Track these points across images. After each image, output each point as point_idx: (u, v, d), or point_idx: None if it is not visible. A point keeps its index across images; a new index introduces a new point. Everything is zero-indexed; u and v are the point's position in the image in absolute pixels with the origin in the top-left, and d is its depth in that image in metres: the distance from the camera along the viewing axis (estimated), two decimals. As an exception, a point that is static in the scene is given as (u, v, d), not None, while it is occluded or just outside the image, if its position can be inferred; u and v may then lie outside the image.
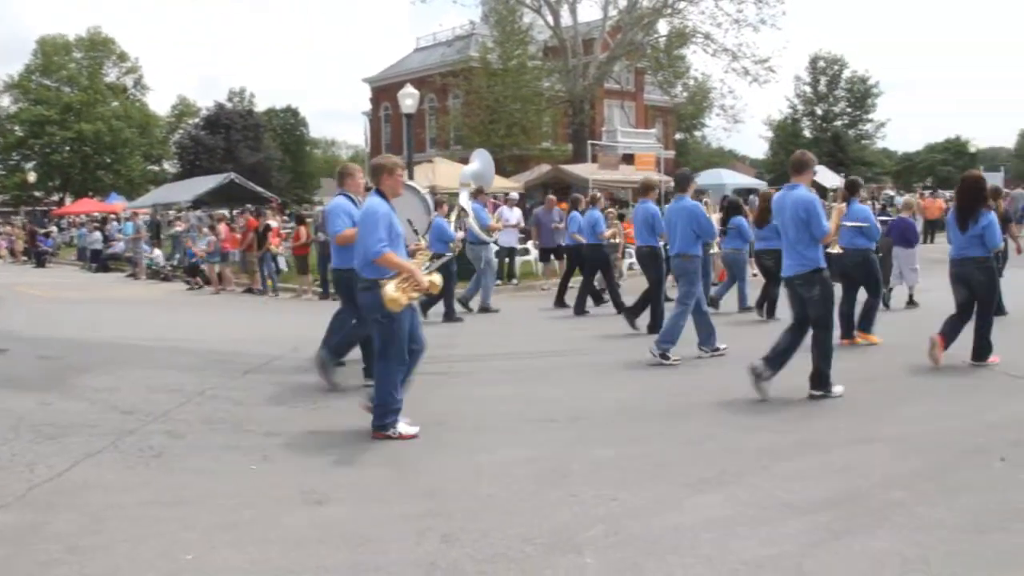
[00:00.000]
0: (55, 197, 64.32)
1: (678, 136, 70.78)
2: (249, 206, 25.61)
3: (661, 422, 7.02)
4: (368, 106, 64.14)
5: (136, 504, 5.14)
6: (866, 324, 10.30)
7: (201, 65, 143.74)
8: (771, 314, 12.73)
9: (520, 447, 6.35)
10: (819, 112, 74.46)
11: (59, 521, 4.83)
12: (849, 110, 74.41)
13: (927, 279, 12.99)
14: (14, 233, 38.72)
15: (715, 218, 13.07)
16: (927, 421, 6.75)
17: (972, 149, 60.10)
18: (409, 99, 19.83)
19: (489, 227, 15.27)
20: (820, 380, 7.49)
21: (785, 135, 74.50)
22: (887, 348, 9.96)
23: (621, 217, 19.37)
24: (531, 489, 5.33)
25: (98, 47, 64.96)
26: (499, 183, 26.48)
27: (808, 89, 74.55)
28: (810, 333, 7.59)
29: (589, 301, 14.58)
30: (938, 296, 10.58)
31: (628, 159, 37.13)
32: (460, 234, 14.66)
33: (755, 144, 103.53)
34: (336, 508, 5.08)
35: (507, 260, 19.87)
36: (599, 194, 17.52)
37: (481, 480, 5.55)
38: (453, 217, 13.63)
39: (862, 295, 10.36)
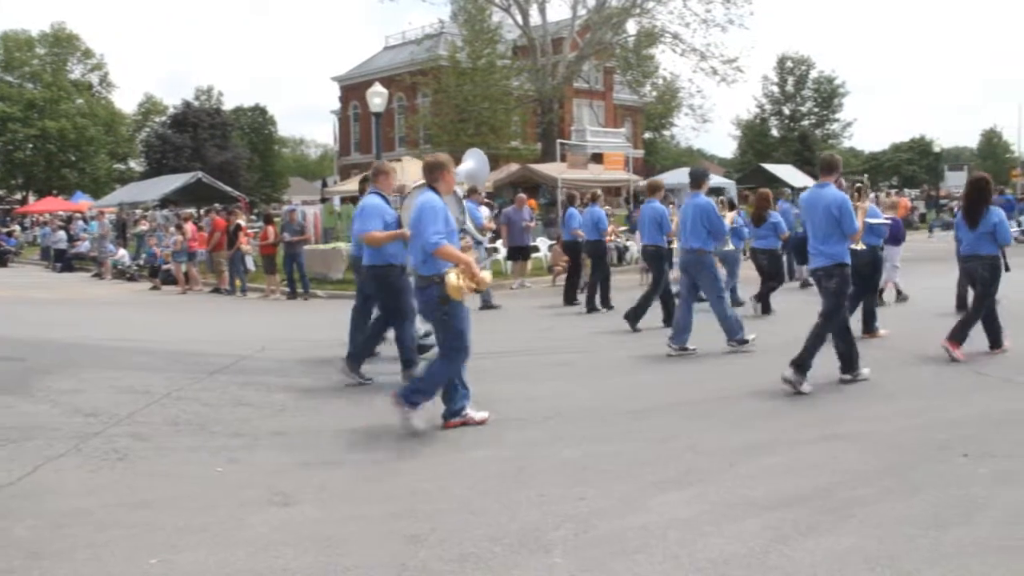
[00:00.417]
0: (18, 196, 63.51)
1: (647, 135, 71.13)
2: (217, 205, 25.42)
3: (630, 421, 7.03)
4: (337, 105, 63.91)
5: (99, 508, 5.07)
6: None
7: (168, 63, 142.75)
8: (763, 310, 13.04)
9: (489, 447, 6.33)
10: (787, 112, 75.12)
11: (19, 527, 4.76)
12: (816, 110, 75.15)
13: (910, 279, 13.23)
14: (-24, 232, 38.20)
15: (729, 216, 13.31)
16: (892, 418, 6.81)
17: (936, 149, 60.71)
18: (377, 98, 19.74)
19: (483, 226, 15.32)
20: (846, 363, 7.95)
21: (753, 134, 75.17)
22: (862, 345, 10.08)
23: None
24: (500, 489, 5.32)
25: (62, 43, 64.11)
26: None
27: (776, 89, 75.23)
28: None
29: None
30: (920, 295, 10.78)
31: (597, 158, 37.24)
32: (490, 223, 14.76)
33: (723, 143, 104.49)
34: (303, 509, 5.04)
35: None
36: (599, 191, 17.68)
37: (450, 480, 5.53)
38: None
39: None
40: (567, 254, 16.34)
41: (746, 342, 9.89)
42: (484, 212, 20.52)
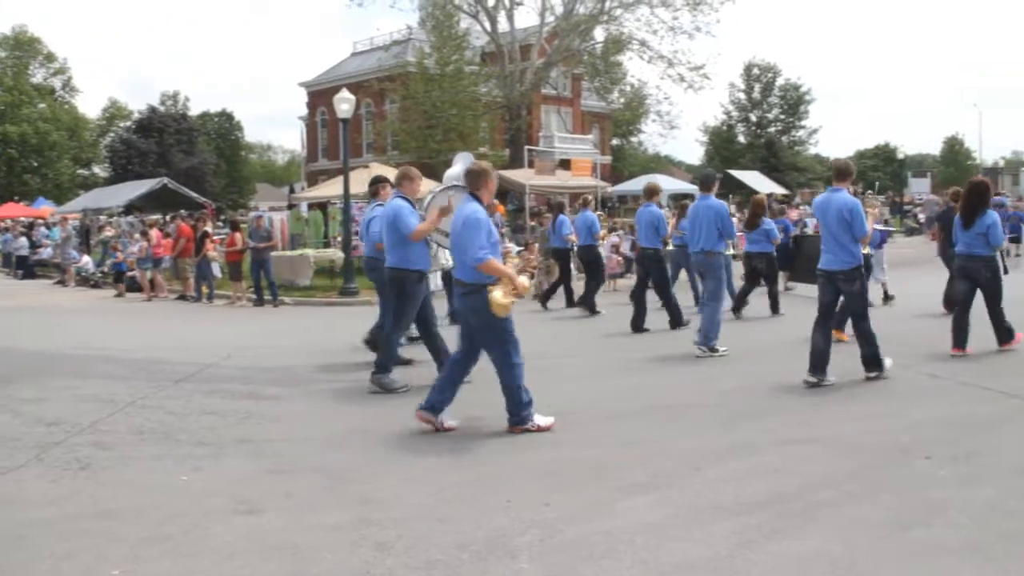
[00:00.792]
0: (-22, 201, 62.59)
1: (615, 142, 71.31)
2: (182, 212, 25.23)
3: (596, 426, 7.05)
4: (304, 111, 63.60)
5: (61, 518, 5.00)
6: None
7: (133, 68, 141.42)
8: (738, 311, 13.38)
9: (453, 453, 6.33)
10: (753, 118, 75.61)
11: (-21, 538, 4.68)
12: (782, 117, 75.69)
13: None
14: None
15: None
16: (856, 422, 6.89)
17: (900, 155, 61.55)
18: (345, 104, 19.63)
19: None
20: (873, 362, 8.23)
21: (720, 141, 75.57)
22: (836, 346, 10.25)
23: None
24: (467, 495, 5.32)
25: (24, 47, 63.36)
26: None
27: (743, 96, 75.69)
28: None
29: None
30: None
31: (565, 164, 37.28)
32: None
33: (691, 150, 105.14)
34: (269, 518, 5.01)
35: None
36: (590, 197, 17.97)
37: (413, 487, 5.51)
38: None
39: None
40: (556, 260, 16.51)
41: (716, 350, 9.99)
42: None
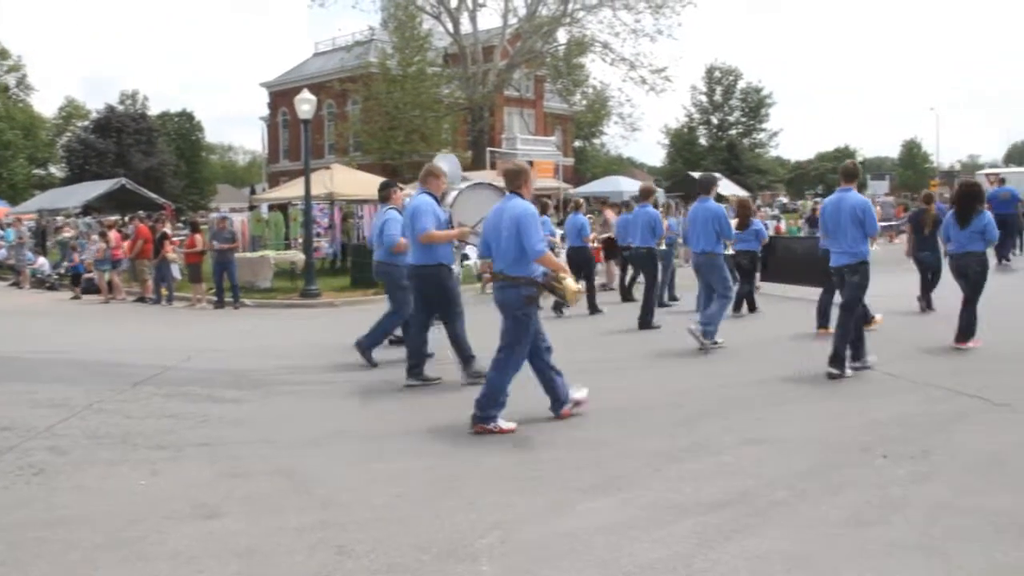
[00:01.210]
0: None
1: (577, 143, 71.54)
2: (140, 213, 24.92)
3: (556, 428, 7.04)
4: (266, 111, 63.15)
5: (14, 526, 4.92)
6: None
7: (90, 66, 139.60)
8: (749, 308, 13.78)
9: (415, 456, 6.31)
10: (715, 121, 76.31)
11: (-71, 545, 4.60)
12: (744, 119, 76.47)
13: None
14: None
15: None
16: (815, 421, 6.96)
17: (859, 158, 62.40)
18: (306, 104, 19.49)
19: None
20: (837, 359, 8.51)
21: (682, 143, 76.17)
22: (790, 348, 10.49)
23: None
24: (428, 497, 5.31)
25: (-26, 43, 62.30)
26: (398, 190, 26.27)
27: (704, 99, 76.37)
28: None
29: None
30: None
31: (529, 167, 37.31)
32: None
33: (653, 152, 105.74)
34: (228, 522, 4.96)
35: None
36: (581, 200, 18.08)
37: (375, 489, 5.49)
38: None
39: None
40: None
41: (717, 343, 10.40)
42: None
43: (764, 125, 76.73)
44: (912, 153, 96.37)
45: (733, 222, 11.31)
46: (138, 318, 17.45)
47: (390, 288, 10.28)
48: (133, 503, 5.33)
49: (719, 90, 76.28)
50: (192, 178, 72.45)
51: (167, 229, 20.39)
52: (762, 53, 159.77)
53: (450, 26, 37.65)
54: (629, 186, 42.84)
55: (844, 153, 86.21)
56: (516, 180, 7.13)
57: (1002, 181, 23.31)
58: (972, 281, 9.77)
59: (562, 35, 39.33)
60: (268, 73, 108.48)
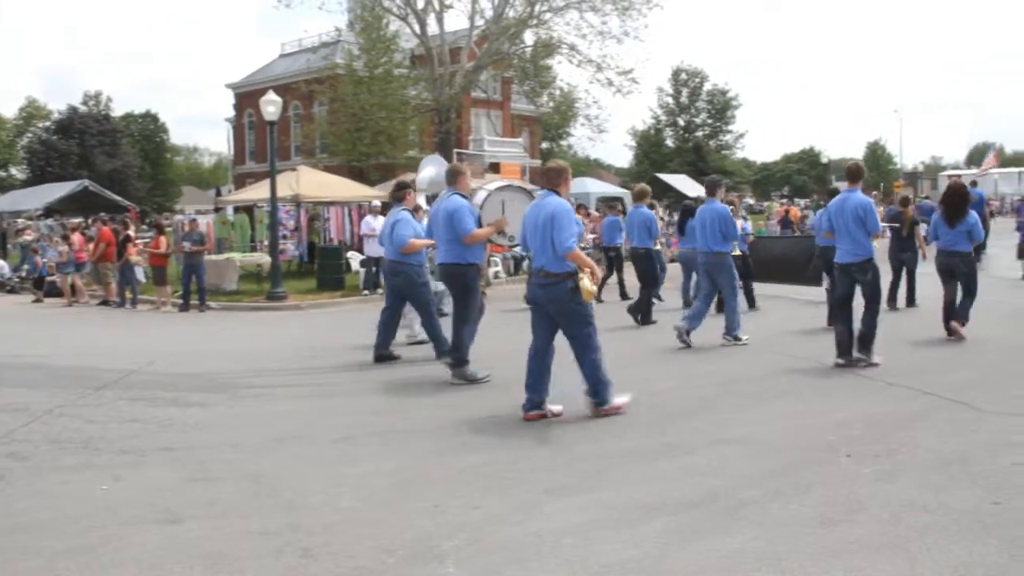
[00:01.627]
0: None
1: (544, 145, 71.59)
2: (102, 214, 24.64)
3: (525, 429, 7.04)
4: (232, 112, 62.67)
5: (-28, 532, 4.83)
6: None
7: (52, 66, 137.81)
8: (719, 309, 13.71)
9: (382, 458, 6.27)
10: (681, 123, 76.68)
11: None
12: (710, 121, 76.87)
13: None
14: None
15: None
16: (782, 420, 7.00)
17: (824, 160, 63.03)
18: (271, 106, 19.36)
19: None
20: (865, 343, 9.02)
21: (649, 145, 76.48)
22: (763, 348, 10.59)
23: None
24: (393, 500, 5.28)
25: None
26: (363, 192, 26.21)
27: (671, 100, 76.73)
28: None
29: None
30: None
31: (494, 168, 37.41)
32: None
33: (620, 153, 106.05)
34: (191, 526, 4.90)
35: (374, 270, 19.71)
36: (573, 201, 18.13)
37: (341, 492, 5.45)
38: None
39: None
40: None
41: (740, 339, 10.73)
42: (381, 221, 20.47)
43: (730, 127, 77.28)
44: (876, 154, 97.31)
45: (733, 220, 11.53)
46: (102, 321, 17.26)
47: (405, 288, 10.26)
48: (95, 509, 5.24)
49: (685, 92, 76.69)
50: (157, 180, 71.71)
51: (131, 231, 20.16)
52: (728, 55, 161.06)
53: (417, 28, 37.47)
54: (596, 187, 43.01)
55: (810, 154, 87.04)
56: (556, 179, 7.39)
57: (974, 184, 23.77)
58: (964, 279, 10.34)
59: (529, 37, 39.28)
60: (234, 74, 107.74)
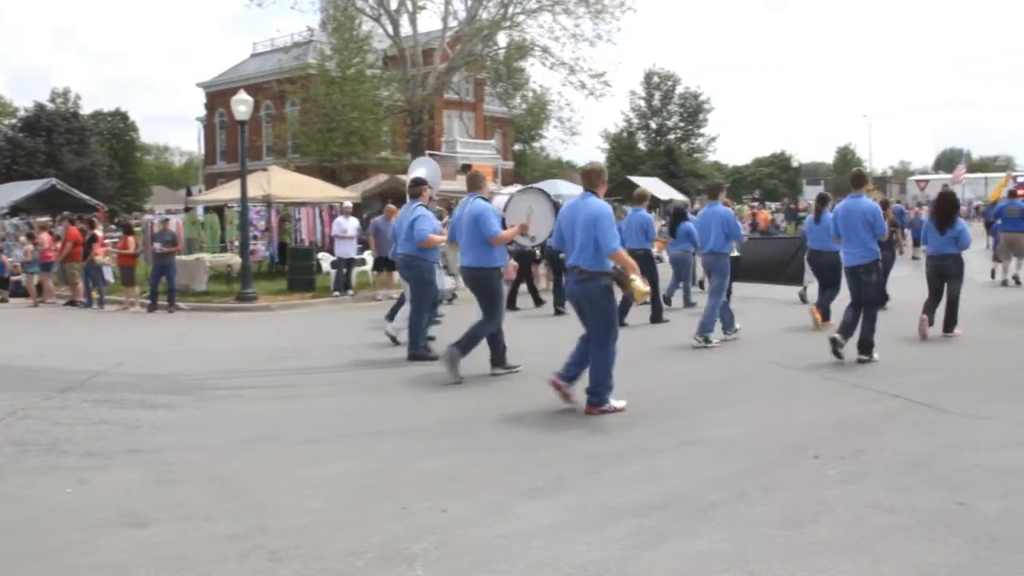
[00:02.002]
0: None
1: (517, 147, 71.70)
2: (67, 213, 24.36)
3: (493, 431, 7.05)
4: (203, 112, 62.25)
5: (-67, 536, 4.76)
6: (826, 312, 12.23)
7: (19, 64, 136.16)
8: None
9: (351, 460, 6.25)
10: (653, 126, 76.90)
11: None
12: (682, 124, 77.12)
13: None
14: None
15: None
16: (749, 422, 7.05)
17: (795, 164, 63.48)
18: (242, 106, 19.22)
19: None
20: (866, 347, 9.41)
21: (621, 148, 76.65)
22: (733, 349, 10.75)
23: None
24: (361, 502, 5.26)
25: None
26: (335, 192, 26.10)
27: (643, 103, 76.90)
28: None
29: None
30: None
31: (467, 169, 37.25)
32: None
33: (592, 156, 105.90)
34: (157, 529, 4.85)
35: (344, 271, 19.66)
36: (561, 201, 18.22)
37: (309, 494, 5.42)
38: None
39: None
40: (518, 261, 16.76)
41: (710, 342, 10.92)
42: (352, 223, 20.42)
43: (702, 130, 77.58)
44: (846, 159, 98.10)
45: (736, 221, 11.96)
46: (68, 322, 17.06)
47: (414, 282, 10.55)
48: (59, 512, 5.19)
49: (658, 95, 76.92)
50: (126, 179, 71.01)
51: (98, 231, 19.94)
52: (700, 59, 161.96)
53: (390, 28, 37.39)
54: (568, 189, 42.96)
55: (781, 158, 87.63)
56: (596, 180, 7.71)
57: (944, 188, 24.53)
58: (952, 282, 10.90)
59: (502, 39, 39.33)
60: (205, 73, 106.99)
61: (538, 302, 16.19)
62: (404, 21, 37.42)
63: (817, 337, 10.76)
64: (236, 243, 22.15)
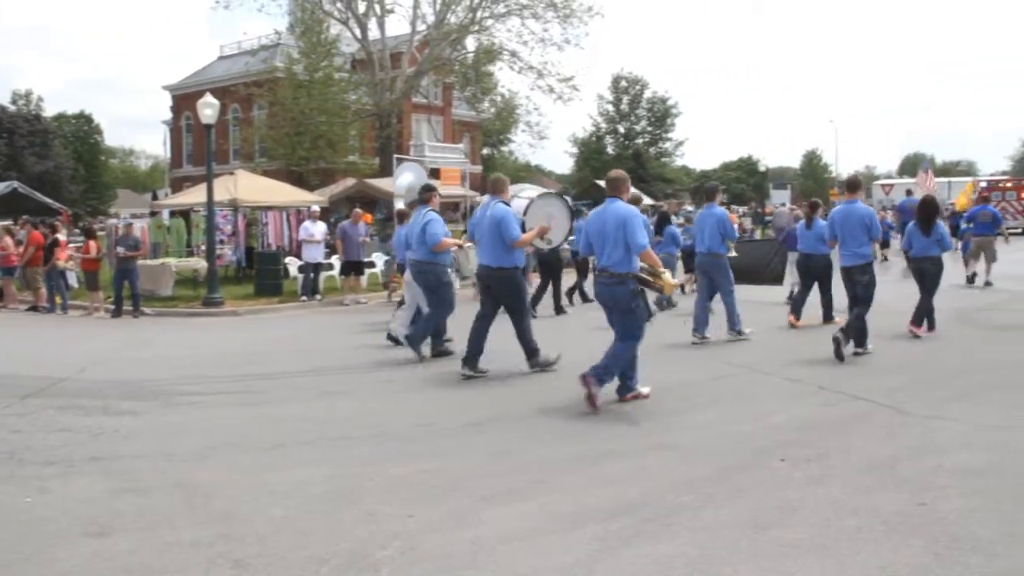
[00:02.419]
0: None
1: (485, 151, 71.71)
2: (26, 216, 24.04)
3: (462, 436, 7.03)
4: (169, 115, 61.77)
5: None
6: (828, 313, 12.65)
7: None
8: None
9: (316, 465, 6.19)
10: (621, 130, 77.22)
11: None
12: (650, 129, 77.49)
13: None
14: None
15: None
16: (718, 426, 7.07)
17: (762, 168, 63.89)
18: (208, 109, 19.10)
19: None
20: (859, 340, 9.94)
21: (589, 152, 76.90)
22: (699, 351, 10.79)
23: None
24: (326, 508, 5.22)
25: None
26: (302, 196, 25.97)
27: (611, 108, 77.19)
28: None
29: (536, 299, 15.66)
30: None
31: (435, 173, 37.29)
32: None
33: (560, 160, 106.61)
34: (120, 539, 4.78)
35: (312, 275, 19.57)
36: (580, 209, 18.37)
37: (275, 501, 5.37)
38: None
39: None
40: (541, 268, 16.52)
41: (743, 333, 11.49)
42: (320, 227, 20.30)
43: (670, 134, 78.02)
44: (813, 164, 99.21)
45: (731, 222, 12.29)
46: (30, 327, 16.86)
47: (430, 287, 10.65)
48: (18, 522, 5.10)
49: (626, 99, 77.28)
50: (91, 183, 70.33)
51: (60, 235, 19.70)
52: (668, 64, 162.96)
53: (358, 32, 37.30)
54: (535, 193, 43.04)
55: (748, 162, 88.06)
56: (621, 186, 8.14)
57: (909, 192, 25.65)
58: (930, 282, 11.32)
59: (471, 43, 39.40)
60: (171, 76, 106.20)
61: (559, 310, 15.62)
62: (372, 25, 37.40)
63: (789, 339, 10.87)
64: (203, 247, 21.99)
